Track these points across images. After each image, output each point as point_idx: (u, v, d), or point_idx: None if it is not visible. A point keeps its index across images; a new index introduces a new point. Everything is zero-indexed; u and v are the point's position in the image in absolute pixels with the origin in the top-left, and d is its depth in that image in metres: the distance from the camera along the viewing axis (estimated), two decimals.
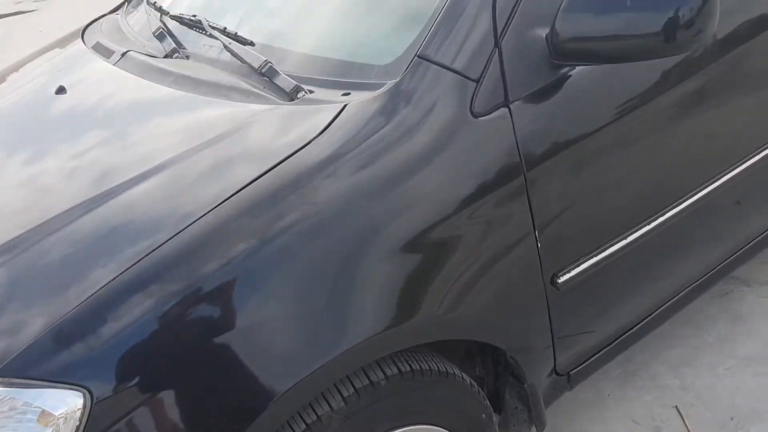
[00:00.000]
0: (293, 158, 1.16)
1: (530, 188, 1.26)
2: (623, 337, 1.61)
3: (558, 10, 1.23)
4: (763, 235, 1.85)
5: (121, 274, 1.04)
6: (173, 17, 1.69)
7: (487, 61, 1.23)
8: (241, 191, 1.12)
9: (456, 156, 1.20)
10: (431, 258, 1.18)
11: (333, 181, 1.14)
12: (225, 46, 1.46)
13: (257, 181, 1.13)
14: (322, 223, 1.11)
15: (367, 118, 1.20)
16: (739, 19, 1.52)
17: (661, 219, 1.50)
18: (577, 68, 1.30)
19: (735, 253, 1.79)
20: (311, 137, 1.18)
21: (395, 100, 1.21)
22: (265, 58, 1.36)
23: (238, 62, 1.42)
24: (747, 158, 1.63)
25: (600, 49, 1.21)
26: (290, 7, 1.63)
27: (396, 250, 1.14)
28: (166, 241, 1.07)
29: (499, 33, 1.24)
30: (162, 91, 1.45)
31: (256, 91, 1.34)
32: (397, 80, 1.23)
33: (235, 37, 1.49)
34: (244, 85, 1.37)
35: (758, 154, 1.65)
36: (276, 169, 1.14)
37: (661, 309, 1.67)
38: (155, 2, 1.84)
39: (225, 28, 1.53)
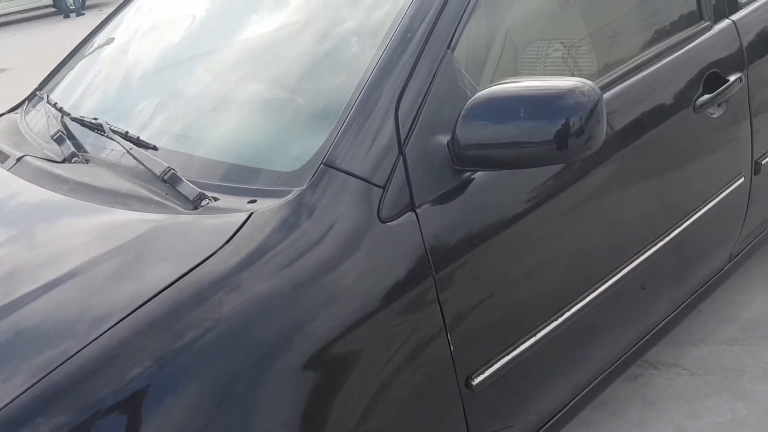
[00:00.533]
0: (195, 272, 1.11)
1: (440, 290, 1.26)
2: (543, 429, 1.60)
3: (458, 119, 1.27)
4: (669, 317, 1.91)
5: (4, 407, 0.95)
6: (74, 119, 1.65)
7: (393, 168, 1.25)
8: (138, 310, 1.06)
9: (364, 262, 1.19)
10: (340, 370, 1.15)
11: (238, 295, 1.10)
12: (126, 151, 1.43)
13: (156, 298, 1.08)
14: (225, 341, 1.06)
15: (274, 227, 1.18)
16: (630, 117, 1.61)
17: (571, 310, 1.53)
18: (480, 172, 1.33)
19: (644, 337, 1.84)
20: (215, 248, 1.15)
21: (302, 207, 1.20)
22: (167, 164, 1.33)
23: (140, 168, 1.38)
24: (649, 246, 1.70)
25: (498, 156, 1.25)
26: (196, 110, 1.62)
27: (302, 364, 1.10)
28: (54, 369, 0.99)
29: (402, 140, 1.27)
30: (58, 199, 1.39)
31: (158, 199, 1.30)
32: (304, 187, 1.22)
33: (137, 142, 1.45)
34: (145, 193, 1.33)
35: (659, 241, 1.73)
36: (177, 284, 1.10)
37: (578, 397, 1.68)
38: (56, 103, 1.79)
39: (127, 132, 1.49)
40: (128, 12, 2.10)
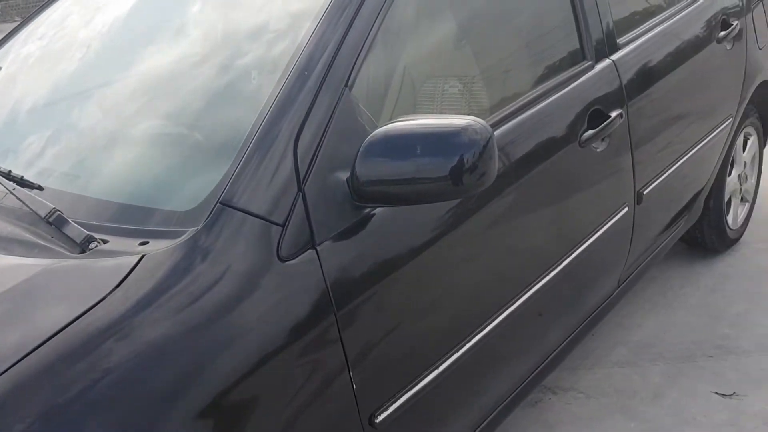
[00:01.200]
0: (82, 319, 1.06)
1: (342, 328, 1.26)
2: None
3: (357, 155, 1.28)
4: (565, 342, 1.98)
5: None
6: None
7: (292, 206, 1.24)
8: (20, 362, 0.99)
9: (263, 303, 1.17)
10: (241, 414, 1.11)
11: (128, 342, 1.05)
12: (9, 191, 1.35)
13: (40, 349, 1.01)
14: (116, 392, 1.00)
15: (167, 269, 1.14)
16: (521, 152, 1.67)
17: (472, 341, 1.56)
18: (380, 208, 1.34)
19: (542, 363, 1.90)
20: (103, 294, 1.09)
21: (197, 248, 1.17)
22: (52, 206, 1.26)
23: (24, 209, 1.30)
24: (544, 275, 1.77)
25: (396, 192, 1.26)
26: (85, 147, 1.55)
27: (200, 411, 1.06)
28: None
29: (302, 177, 1.26)
30: None
31: (42, 242, 1.23)
32: (199, 228, 1.19)
33: (21, 181, 1.38)
34: (29, 236, 1.25)
35: (553, 270, 1.79)
36: (62, 333, 1.03)
37: (481, 426, 1.70)
38: None
39: (10, 171, 1.41)
40: (17, 40, 2.00)
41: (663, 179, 2.20)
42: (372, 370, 1.32)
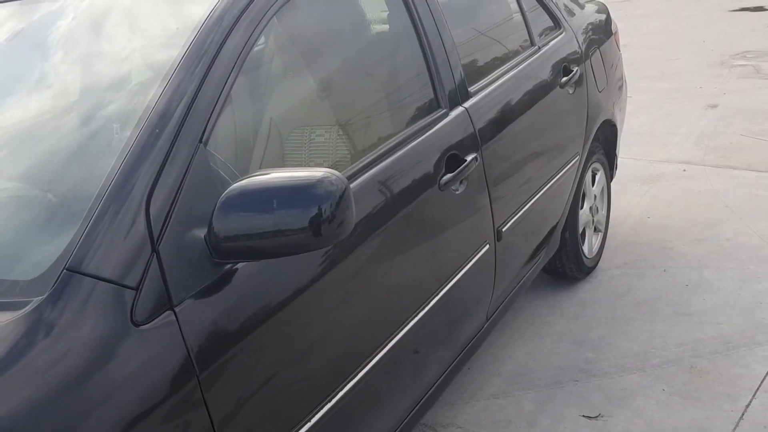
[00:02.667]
0: None
1: (205, 391, 1.23)
2: None
3: (213, 211, 1.27)
4: (442, 377, 2.03)
5: None
6: None
7: (146, 267, 1.21)
8: None
9: (118, 373, 1.12)
10: None
11: None
12: None
13: None
14: None
15: (12, 343, 1.07)
16: (384, 197, 1.72)
17: (348, 385, 1.57)
18: (241, 262, 1.34)
19: (420, 400, 1.93)
20: None
21: (44, 319, 1.11)
22: None
23: None
24: (416, 312, 1.81)
25: (256, 246, 1.26)
26: None
27: None
28: None
29: (155, 237, 1.23)
30: None
31: None
32: (45, 296, 1.13)
33: None
34: None
35: (424, 307, 1.84)
36: None
37: None
38: None
39: None
40: None
41: (520, 216, 2.33)
42: (242, 430, 1.30)
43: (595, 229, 3.21)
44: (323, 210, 1.24)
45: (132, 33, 1.67)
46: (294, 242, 1.27)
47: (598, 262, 3.24)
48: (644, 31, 8.22)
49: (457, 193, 1.97)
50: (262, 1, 1.60)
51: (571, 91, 2.73)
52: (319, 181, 1.24)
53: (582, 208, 3.03)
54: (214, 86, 1.43)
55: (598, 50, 3.07)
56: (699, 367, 2.51)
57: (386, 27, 2.13)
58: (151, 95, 1.40)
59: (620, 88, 3.33)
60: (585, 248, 3.09)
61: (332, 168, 1.63)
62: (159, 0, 1.73)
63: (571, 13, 3.02)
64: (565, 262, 3.00)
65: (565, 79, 2.68)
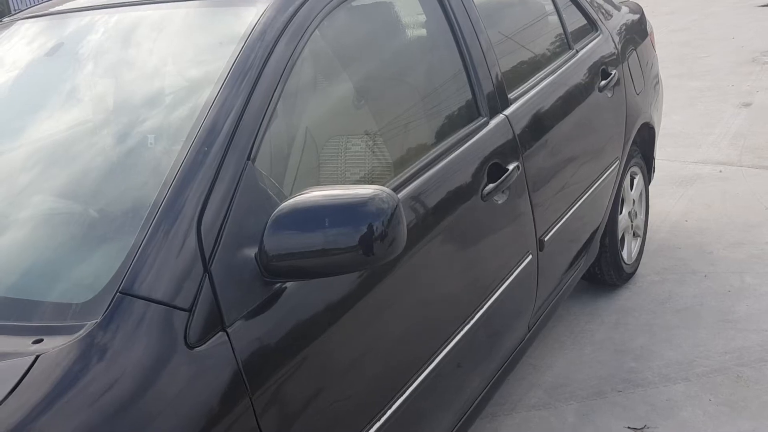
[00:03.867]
0: None
1: (258, 413, 1.21)
2: None
3: (264, 230, 1.25)
4: (483, 393, 1.99)
5: None
6: None
7: (198, 288, 1.19)
8: None
9: (172, 395, 1.10)
10: None
11: None
12: None
13: None
14: None
15: (66, 369, 1.06)
16: (426, 210, 1.69)
17: (397, 403, 1.54)
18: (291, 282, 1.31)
19: (464, 414, 1.90)
20: None
21: (98, 343, 1.10)
22: None
23: None
24: (459, 327, 1.78)
25: (307, 265, 1.24)
26: None
27: None
28: None
29: (207, 257, 1.22)
30: None
31: None
32: (99, 320, 1.12)
33: None
34: None
35: (468, 322, 1.81)
36: None
37: None
38: None
39: None
40: None
41: (562, 224, 2.29)
42: None
43: (633, 234, 3.16)
44: (375, 228, 1.22)
45: (178, 47, 1.66)
46: (344, 261, 1.24)
47: (637, 268, 3.18)
48: (672, 28, 8.11)
49: (499, 203, 1.93)
50: (305, 13, 1.58)
51: (609, 95, 2.68)
52: (371, 199, 1.22)
53: (621, 213, 2.98)
54: (260, 101, 1.41)
55: (634, 51, 3.01)
56: (745, 376, 2.44)
57: (424, 33, 2.09)
58: (199, 111, 1.38)
59: (656, 88, 3.27)
60: (624, 254, 3.03)
61: (375, 179, 1.62)
62: (203, 14, 1.72)
63: (608, 15, 2.96)
64: (604, 269, 2.94)
65: (603, 82, 2.63)
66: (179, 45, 1.67)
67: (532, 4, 2.60)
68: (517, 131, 2.06)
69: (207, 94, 1.41)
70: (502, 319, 2.04)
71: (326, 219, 1.21)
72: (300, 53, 1.54)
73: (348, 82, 1.80)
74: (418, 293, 1.66)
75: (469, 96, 2.00)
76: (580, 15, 2.75)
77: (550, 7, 2.59)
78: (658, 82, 3.32)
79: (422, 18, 2.05)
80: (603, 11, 2.94)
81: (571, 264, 2.53)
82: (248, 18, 1.56)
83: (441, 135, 1.89)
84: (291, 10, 1.57)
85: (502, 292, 1.97)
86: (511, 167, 1.96)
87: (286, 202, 1.26)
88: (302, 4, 1.60)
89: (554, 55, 2.51)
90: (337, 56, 1.78)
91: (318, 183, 1.57)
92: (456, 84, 2.00)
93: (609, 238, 2.87)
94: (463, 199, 1.81)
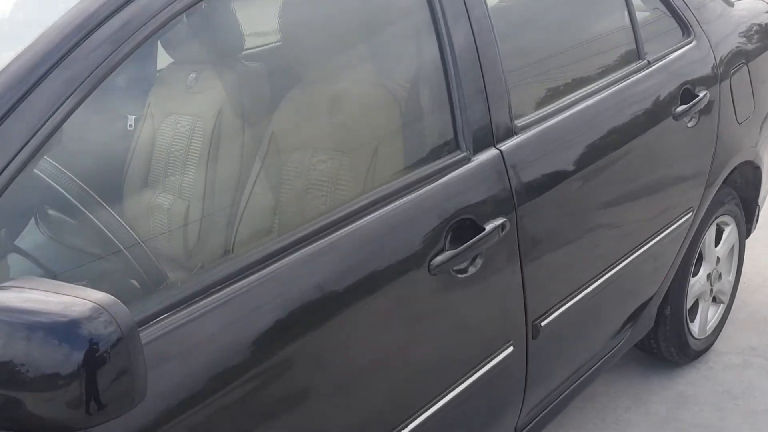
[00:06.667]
0: None
1: None
2: None
3: None
4: None
5: None
6: None
7: None
8: None
9: None
10: None
11: None
12: None
13: None
14: None
15: None
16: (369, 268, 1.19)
17: None
18: None
19: None
20: None
21: None
22: None
23: None
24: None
25: None
26: None
27: None
28: None
29: None
30: None
31: None
32: None
33: None
34: None
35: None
36: None
37: None
38: None
39: None
40: None
41: (576, 302, 1.68)
42: None
43: (714, 300, 2.45)
44: (84, 364, 0.73)
45: None
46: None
47: (713, 343, 2.48)
48: None
49: (466, 276, 1.38)
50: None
51: (690, 124, 1.99)
52: (82, 320, 0.73)
53: (696, 275, 2.29)
54: None
55: (746, 66, 2.26)
56: None
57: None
58: None
59: None
60: (695, 327, 2.35)
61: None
62: None
63: (713, 13, 2.23)
64: (661, 343, 2.28)
65: (683, 107, 1.95)
66: None
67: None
68: (514, 174, 1.48)
69: None
70: (470, 418, 1.50)
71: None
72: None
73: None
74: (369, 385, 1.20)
75: (448, 119, 1.44)
76: (667, 13, 2.06)
77: (619, 3, 1.92)
78: None
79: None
80: (707, 9, 2.21)
81: (602, 343, 1.92)
82: None
83: (388, 171, 1.38)
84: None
85: (465, 389, 1.43)
86: (490, 226, 1.39)
87: None
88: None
89: (611, 68, 1.86)
90: None
91: None
92: (428, 98, 1.46)
93: (672, 308, 2.20)
94: (403, 271, 1.28)
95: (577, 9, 1.92)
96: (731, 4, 2.37)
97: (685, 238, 2.09)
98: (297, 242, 1.15)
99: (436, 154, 1.43)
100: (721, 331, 2.52)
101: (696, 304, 2.36)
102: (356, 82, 1.58)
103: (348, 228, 1.23)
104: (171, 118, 1.72)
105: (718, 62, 2.13)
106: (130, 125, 1.87)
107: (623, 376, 2.39)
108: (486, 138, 1.47)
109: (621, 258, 1.81)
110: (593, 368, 1.91)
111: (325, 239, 1.19)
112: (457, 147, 1.44)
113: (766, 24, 2.43)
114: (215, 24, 1.69)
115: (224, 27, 1.70)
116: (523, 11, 1.90)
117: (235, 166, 1.58)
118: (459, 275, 1.36)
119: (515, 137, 1.52)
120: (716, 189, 2.17)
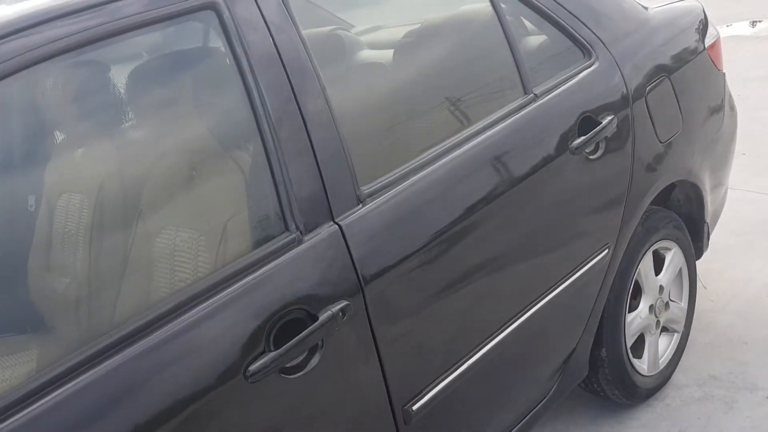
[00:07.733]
0: None
1: None
2: None
3: None
4: None
5: None
6: None
7: None
8: None
9: None
10: None
11: None
12: None
13: None
14: None
15: None
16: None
17: None
18: None
19: None
20: None
21: None
22: None
23: None
24: None
25: None
26: None
27: None
28: None
29: None
30: None
31: None
32: None
33: None
34: None
35: None
36: None
37: None
38: None
39: None
40: None
41: (459, 374, 1.52)
42: None
43: (666, 330, 2.27)
44: None
45: None
46: None
47: (670, 376, 2.29)
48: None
49: (306, 371, 1.24)
50: None
51: (593, 156, 1.83)
52: None
53: (635, 309, 2.11)
54: None
55: (667, 79, 2.08)
56: None
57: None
58: None
59: (714, 124, 2.31)
60: (643, 363, 2.17)
61: None
62: None
63: (619, 26, 2.05)
64: (605, 387, 2.11)
65: (580, 140, 1.78)
66: None
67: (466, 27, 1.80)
68: (360, 248, 1.34)
69: None
70: None
71: None
72: None
73: None
74: None
75: (272, 195, 1.30)
76: (560, 35, 1.90)
77: (496, 34, 1.76)
78: (721, 114, 2.35)
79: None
80: (609, 22, 2.03)
81: (518, 406, 1.75)
82: None
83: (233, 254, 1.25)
84: None
85: None
86: (326, 315, 1.25)
87: None
88: None
89: (488, 109, 1.69)
90: None
91: None
92: (248, 173, 1.33)
93: (608, 349, 2.03)
94: (217, 383, 1.15)
95: (447, 50, 1.77)
96: (644, 11, 2.18)
97: (606, 277, 1.92)
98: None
99: (261, 239, 1.29)
100: (678, 361, 2.33)
101: (640, 341, 2.17)
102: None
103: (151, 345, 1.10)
104: (64, 197, 1.63)
105: (627, 82, 1.96)
106: (31, 205, 1.78)
107: (572, 422, 2.22)
108: (320, 212, 1.33)
109: (515, 316, 1.64)
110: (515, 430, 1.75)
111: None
112: (285, 228, 1.30)
113: (687, 29, 2.24)
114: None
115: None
116: (386, 61, 1.76)
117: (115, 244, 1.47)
118: (289, 375, 1.22)
119: (360, 207, 1.38)
120: (639, 218, 1.99)
